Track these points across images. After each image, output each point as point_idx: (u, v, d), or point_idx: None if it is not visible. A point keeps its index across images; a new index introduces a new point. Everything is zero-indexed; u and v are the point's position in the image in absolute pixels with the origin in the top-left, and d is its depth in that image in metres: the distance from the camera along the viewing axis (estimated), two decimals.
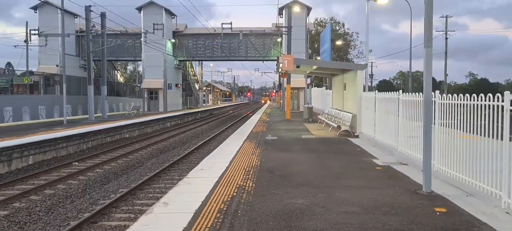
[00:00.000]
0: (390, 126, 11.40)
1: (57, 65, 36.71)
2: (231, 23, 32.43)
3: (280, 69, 21.24)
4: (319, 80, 51.31)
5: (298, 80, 38.28)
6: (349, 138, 15.34)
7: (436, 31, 46.54)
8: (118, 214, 8.61)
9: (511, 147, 5.70)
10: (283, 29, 33.76)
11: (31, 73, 33.92)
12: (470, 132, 6.79)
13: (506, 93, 5.85)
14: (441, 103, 7.86)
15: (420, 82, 76.06)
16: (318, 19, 62.62)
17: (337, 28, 61.77)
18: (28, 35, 36.14)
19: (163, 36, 36.60)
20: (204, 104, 68.04)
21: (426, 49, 6.96)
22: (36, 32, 33.73)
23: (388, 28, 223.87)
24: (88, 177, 12.43)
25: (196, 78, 60.68)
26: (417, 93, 9.18)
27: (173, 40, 43.42)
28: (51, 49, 34.26)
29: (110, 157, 16.15)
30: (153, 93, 42.35)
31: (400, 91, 10.75)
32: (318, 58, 45.28)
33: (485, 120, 6.26)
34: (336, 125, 17.34)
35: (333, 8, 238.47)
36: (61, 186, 11.26)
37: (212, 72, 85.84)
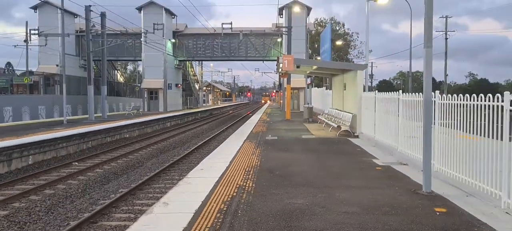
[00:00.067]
0: (390, 126, 11.40)
1: (57, 65, 36.70)
2: (231, 23, 32.44)
3: (280, 69, 21.24)
4: (319, 80, 51.32)
5: (298, 80, 38.28)
6: (349, 138, 15.34)
7: (436, 31, 46.60)
8: (118, 214, 8.61)
9: (511, 147, 5.70)
10: (283, 29, 33.76)
11: (31, 73, 33.93)
12: (470, 132, 6.79)
13: (506, 93, 5.85)
14: (441, 103, 7.86)
15: (420, 82, 76.06)
16: (318, 19, 62.74)
17: (337, 28, 61.79)
18: (28, 35, 36.15)
19: (163, 36, 36.60)
20: (204, 104, 68.05)
21: (426, 49, 6.96)
22: (36, 32, 33.74)
23: (388, 28, 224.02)
24: (88, 177, 12.43)
25: (196, 78, 60.69)
26: (417, 93, 9.19)
27: (173, 40, 43.43)
28: (51, 49, 34.26)
29: (110, 157, 16.15)
30: (153, 93, 42.35)
31: (400, 91, 10.75)
32: (318, 58, 45.29)
33: (485, 120, 6.26)
34: (336, 125, 17.34)
35: (333, 8, 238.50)
36: (61, 186, 11.26)
37: (212, 72, 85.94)
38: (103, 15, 30.36)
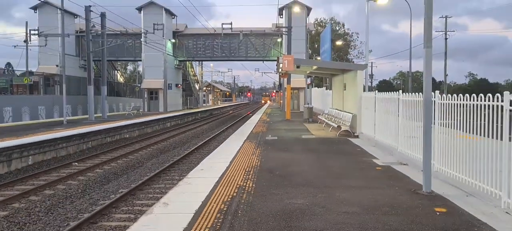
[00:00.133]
0: (390, 126, 11.40)
1: (57, 65, 36.69)
2: (231, 23, 32.43)
3: (280, 69, 21.23)
4: (319, 80, 51.32)
5: (298, 80, 38.28)
6: (349, 138, 15.34)
7: (436, 31, 46.66)
8: (118, 214, 8.60)
9: (510, 147, 5.70)
10: (283, 29, 33.76)
11: (31, 73, 33.93)
12: (470, 132, 6.79)
13: (506, 93, 5.85)
14: (441, 103, 7.86)
15: (420, 82, 76.07)
16: (318, 19, 62.75)
17: (337, 28, 61.79)
18: (28, 35, 36.16)
19: (163, 36, 36.60)
20: (204, 104, 68.05)
21: (426, 49, 6.96)
22: (36, 32, 33.69)
23: (388, 28, 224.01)
24: (88, 178, 12.43)
25: (196, 78, 60.68)
26: (417, 93, 9.19)
27: (173, 40, 43.43)
28: (51, 49, 34.25)
29: (110, 157, 16.15)
30: (153, 93, 42.35)
31: (400, 91, 10.76)
32: (318, 58, 45.29)
33: (484, 120, 6.26)
34: (336, 125, 17.34)
35: (333, 8, 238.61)
36: (61, 187, 11.25)
37: (212, 72, 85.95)
38: (103, 15, 30.37)
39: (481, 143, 6.42)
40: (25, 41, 36.34)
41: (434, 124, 7.89)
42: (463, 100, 6.97)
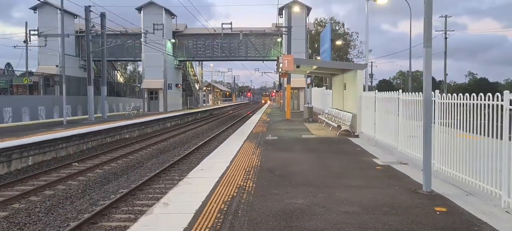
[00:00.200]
0: (390, 126, 11.40)
1: (56, 66, 36.67)
2: (231, 23, 32.39)
3: (280, 69, 21.23)
4: (319, 80, 51.32)
5: (298, 80, 38.27)
6: (349, 138, 15.34)
7: (436, 30, 46.66)
8: (118, 214, 8.60)
9: (510, 146, 5.69)
10: (283, 29, 33.75)
11: (31, 73, 33.92)
12: (469, 132, 6.79)
13: (506, 92, 5.85)
14: (441, 103, 7.86)
15: (419, 82, 76.05)
16: (318, 19, 62.71)
17: (337, 28, 61.78)
18: (28, 35, 36.13)
19: (163, 36, 36.59)
20: (204, 104, 68.04)
21: (425, 48, 6.96)
22: (36, 32, 33.71)
23: (387, 28, 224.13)
24: (88, 178, 12.42)
25: (196, 78, 60.68)
26: (417, 93, 9.19)
27: (173, 40, 43.42)
28: (51, 50, 34.24)
29: (110, 157, 16.14)
30: (153, 93, 42.34)
31: (400, 90, 10.76)
32: (318, 58, 45.28)
33: (484, 120, 6.26)
34: (336, 125, 17.34)
35: (333, 8, 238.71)
36: (61, 187, 11.25)
37: (212, 72, 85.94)
38: (102, 16, 30.37)
39: (481, 142, 6.42)
40: (25, 41, 36.33)
41: (434, 123, 7.89)
42: (463, 100, 6.97)
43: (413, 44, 78.19)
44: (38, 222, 8.27)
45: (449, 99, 7.50)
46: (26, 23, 39.54)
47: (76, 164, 14.85)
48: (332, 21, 58.81)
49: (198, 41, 44.41)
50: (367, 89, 22.68)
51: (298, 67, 21.11)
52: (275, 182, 7.86)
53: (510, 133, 5.79)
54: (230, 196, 6.77)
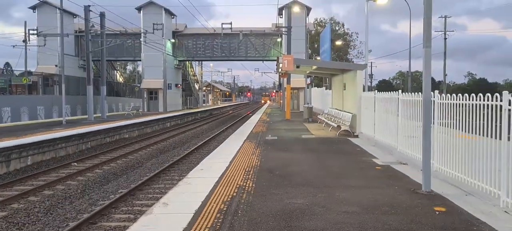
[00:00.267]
0: (389, 126, 11.41)
1: (56, 65, 36.64)
2: (231, 23, 32.38)
3: (280, 69, 21.23)
4: (319, 80, 51.33)
5: (298, 80, 38.28)
6: (349, 138, 15.35)
7: (435, 31, 46.71)
8: (117, 214, 8.60)
9: (509, 146, 5.70)
10: (283, 29, 33.76)
11: (30, 73, 33.86)
12: (469, 132, 6.80)
13: (505, 93, 5.86)
14: (440, 103, 7.87)
15: (419, 82, 76.07)
16: (318, 19, 62.74)
17: (337, 28, 61.80)
18: (27, 35, 36.01)
19: (162, 36, 36.57)
20: (204, 104, 68.02)
21: (425, 49, 6.97)
22: (35, 32, 33.64)
23: (387, 28, 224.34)
24: (87, 178, 12.42)
25: (196, 78, 60.66)
26: (416, 93, 9.20)
27: (173, 40, 43.41)
28: (50, 49, 34.22)
29: (109, 157, 16.13)
30: (152, 93, 42.33)
31: (400, 91, 10.76)
32: (318, 58, 45.29)
33: (484, 120, 6.26)
34: (336, 125, 17.35)
35: (332, 8, 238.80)
36: (60, 187, 11.24)
37: (212, 72, 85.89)
38: (102, 15, 30.35)
39: (480, 142, 6.43)
40: (24, 41, 36.25)
41: (433, 123, 7.90)
42: (462, 100, 6.98)
43: (413, 45, 78.15)
44: (37, 222, 8.26)
45: (448, 100, 7.51)
46: (25, 22, 39.35)
47: (76, 164, 14.84)
48: (332, 21, 58.84)
49: (198, 41, 44.40)
50: (367, 89, 22.68)
51: (298, 67, 21.12)
52: (275, 182, 7.86)
53: (509, 133, 5.81)
54: (230, 196, 6.77)
